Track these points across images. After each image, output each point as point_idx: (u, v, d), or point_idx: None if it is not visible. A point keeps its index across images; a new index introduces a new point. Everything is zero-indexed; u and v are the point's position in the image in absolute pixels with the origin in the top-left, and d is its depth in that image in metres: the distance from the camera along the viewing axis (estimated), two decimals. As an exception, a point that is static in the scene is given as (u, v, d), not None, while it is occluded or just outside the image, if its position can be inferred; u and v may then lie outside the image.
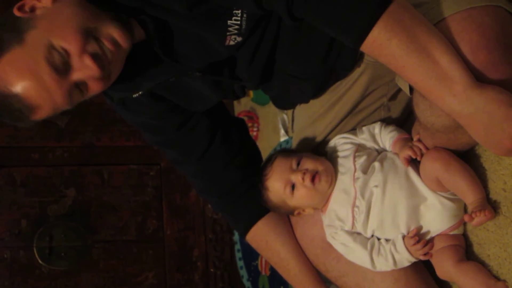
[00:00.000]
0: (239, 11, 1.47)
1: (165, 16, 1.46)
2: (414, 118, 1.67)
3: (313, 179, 1.69)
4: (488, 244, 1.64)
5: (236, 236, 3.33)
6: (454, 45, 1.37)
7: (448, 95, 1.35)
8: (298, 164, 1.72)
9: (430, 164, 1.60)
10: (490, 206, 1.57)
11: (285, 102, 1.90)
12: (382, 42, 1.35)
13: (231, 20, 1.47)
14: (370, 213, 1.67)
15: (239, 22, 1.48)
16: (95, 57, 1.43)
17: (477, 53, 1.35)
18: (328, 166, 1.73)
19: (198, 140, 1.84)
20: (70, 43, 1.41)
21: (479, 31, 1.36)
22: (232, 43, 1.52)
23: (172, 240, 3.48)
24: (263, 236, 1.90)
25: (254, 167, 1.89)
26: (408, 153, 1.63)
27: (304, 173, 1.70)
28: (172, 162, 1.91)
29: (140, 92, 1.66)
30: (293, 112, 2.00)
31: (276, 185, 1.74)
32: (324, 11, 1.37)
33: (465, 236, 1.70)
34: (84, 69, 1.43)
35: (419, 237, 1.64)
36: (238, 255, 3.30)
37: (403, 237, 1.65)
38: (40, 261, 3.29)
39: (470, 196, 1.57)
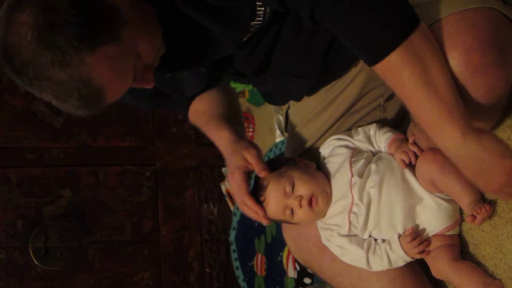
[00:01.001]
0: (262, 12, 1.46)
1: (189, 8, 1.44)
2: (410, 119, 1.67)
3: (310, 203, 1.68)
4: (484, 244, 1.64)
5: (231, 237, 3.33)
6: (448, 47, 1.37)
7: (445, 135, 1.37)
8: (292, 186, 1.69)
9: (425, 166, 1.61)
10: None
11: (277, 98, 1.89)
12: (395, 69, 1.35)
13: (254, 21, 1.47)
14: (369, 215, 1.67)
15: (260, 22, 1.47)
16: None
17: (471, 55, 1.36)
18: (323, 184, 1.71)
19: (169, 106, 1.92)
20: (148, 58, 1.42)
21: (473, 33, 1.37)
22: (245, 39, 1.52)
23: (168, 241, 3.48)
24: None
25: None
26: (402, 157, 1.64)
27: (300, 200, 1.67)
28: None
29: None
30: (287, 112, 1.99)
31: (275, 210, 1.71)
32: (346, 23, 1.36)
33: (460, 236, 1.70)
34: (144, 80, 1.45)
35: (415, 236, 1.64)
36: (234, 255, 3.30)
37: (399, 237, 1.65)
38: (35, 262, 3.29)
39: (465, 199, 1.57)
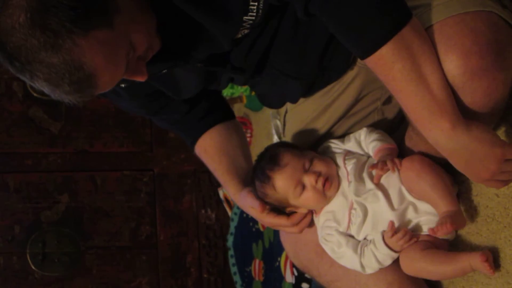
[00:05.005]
0: (255, 6, 1.46)
1: (182, 1, 1.43)
2: (408, 122, 1.67)
3: (324, 184, 1.68)
4: (481, 249, 1.64)
5: (229, 242, 3.33)
6: (446, 49, 1.37)
7: (435, 128, 1.38)
8: (311, 164, 1.70)
9: (404, 174, 1.61)
10: (464, 217, 1.59)
11: (273, 101, 1.90)
12: (386, 63, 1.36)
13: (246, 16, 1.47)
14: (366, 217, 1.66)
15: (254, 18, 1.48)
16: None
17: (469, 58, 1.36)
18: (335, 171, 1.72)
19: (171, 117, 1.90)
20: (142, 49, 1.41)
21: (471, 36, 1.37)
22: (239, 36, 1.52)
23: (166, 246, 3.48)
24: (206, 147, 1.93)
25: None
26: (374, 173, 1.66)
27: (318, 176, 1.68)
28: None
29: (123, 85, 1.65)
30: (284, 116, 1.99)
31: (285, 183, 1.70)
32: (340, 16, 1.37)
33: (457, 241, 1.70)
34: (136, 72, 1.44)
35: (396, 229, 1.63)
36: (232, 260, 3.30)
37: (382, 235, 1.64)
38: (33, 267, 3.29)
39: (441, 207, 1.57)
